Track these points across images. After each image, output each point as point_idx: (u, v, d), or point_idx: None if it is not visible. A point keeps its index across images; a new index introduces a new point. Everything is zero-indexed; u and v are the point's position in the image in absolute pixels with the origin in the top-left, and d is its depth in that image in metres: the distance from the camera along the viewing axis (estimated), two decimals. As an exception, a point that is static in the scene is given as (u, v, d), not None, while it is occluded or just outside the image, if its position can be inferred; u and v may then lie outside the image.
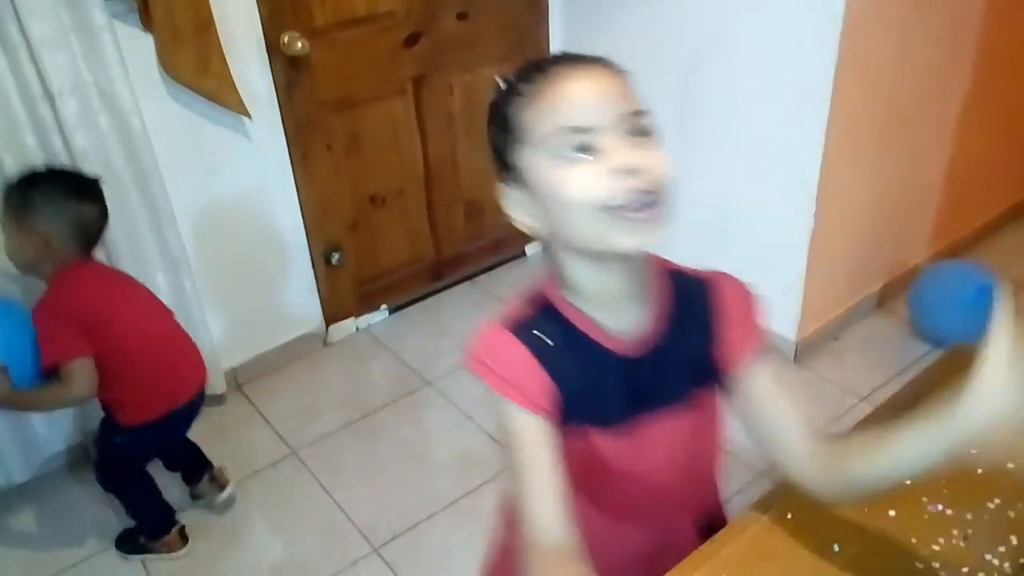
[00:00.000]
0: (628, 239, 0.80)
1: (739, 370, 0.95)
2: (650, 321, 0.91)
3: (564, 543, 0.84)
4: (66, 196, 1.70)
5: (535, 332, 0.89)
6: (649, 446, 0.95)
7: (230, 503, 2.11)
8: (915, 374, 1.28)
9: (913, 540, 0.99)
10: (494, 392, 0.88)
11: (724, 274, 0.98)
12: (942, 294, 2.46)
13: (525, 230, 0.89)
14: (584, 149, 0.80)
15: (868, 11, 2.04)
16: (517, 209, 0.88)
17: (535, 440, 0.87)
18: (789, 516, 1.04)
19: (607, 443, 0.93)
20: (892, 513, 1.02)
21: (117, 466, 1.91)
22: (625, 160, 0.79)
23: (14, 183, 1.70)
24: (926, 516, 1.01)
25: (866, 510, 1.03)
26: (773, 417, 0.95)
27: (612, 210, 0.79)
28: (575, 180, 0.80)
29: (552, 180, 0.81)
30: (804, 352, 2.49)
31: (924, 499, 1.03)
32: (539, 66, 0.84)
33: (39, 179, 1.71)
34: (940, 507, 1.02)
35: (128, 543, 2.01)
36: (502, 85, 0.87)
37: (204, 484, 2.11)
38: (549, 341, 0.89)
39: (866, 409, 2.28)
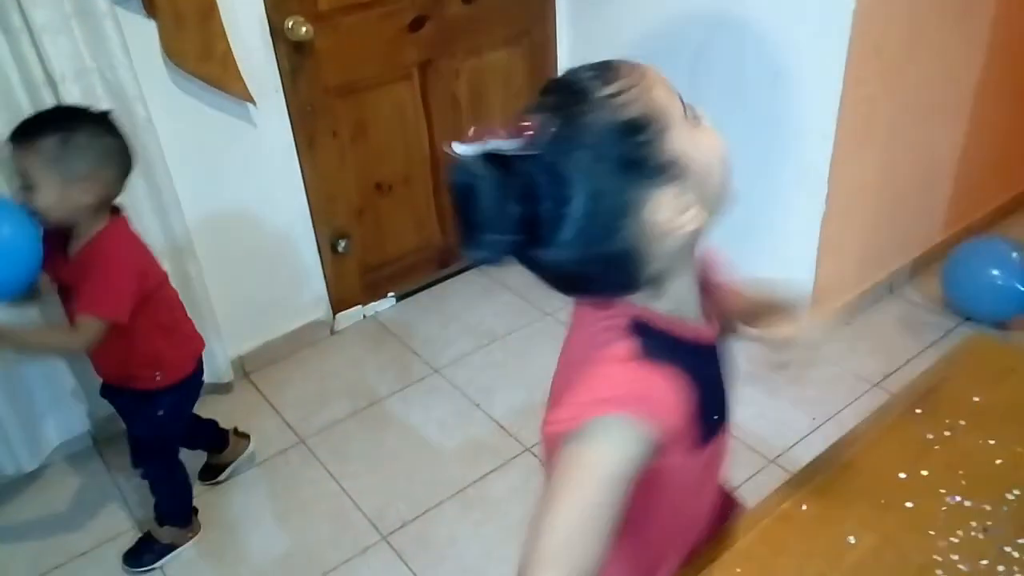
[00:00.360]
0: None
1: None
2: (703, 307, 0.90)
3: None
4: (106, 132, 1.56)
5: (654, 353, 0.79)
6: (724, 450, 0.96)
7: (253, 455, 2.19)
8: (932, 362, 1.26)
9: (931, 532, 0.97)
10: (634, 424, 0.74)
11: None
12: (975, 268, 2.44)
13: (681, 238, 0.78)
14: (695, 117, 0.80)
15: (881, -9, 2.01)
16: (678, 214, 0.77)
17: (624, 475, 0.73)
18: (804, 508, 1.02)
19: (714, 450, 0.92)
20: (909, 505, 1.00)
21: (159, 446, 1.87)
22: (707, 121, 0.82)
23: (40, 127, 1.50)
24: (944, 508, 1.00)
25: (882, 502, 1.01)
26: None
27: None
28: (712, 137, 0.81)
29: (706, 144, 0.79)
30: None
31: (942, 491, 1.01)
32: (608, 65, 0.77)
33: (68, 117, 1.55)
34: (958, 499, 1.00)
35: (145, 554, 1.93)
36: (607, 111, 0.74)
37: (231, 445, 2.13)
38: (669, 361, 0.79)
39: (877, 395, 2.28)
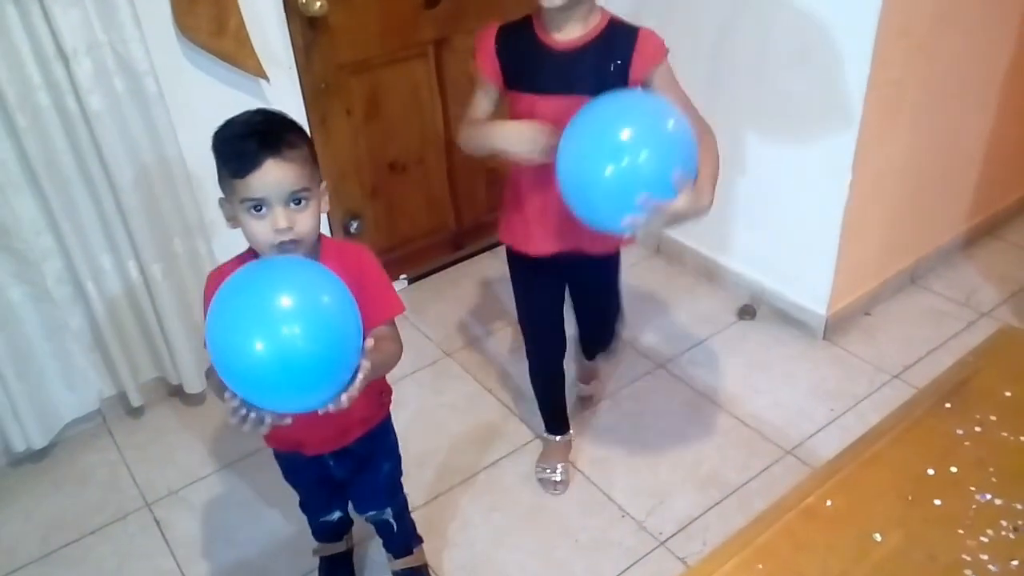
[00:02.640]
0: None
1: (645, 76, 1.50)
2: (581, 40, 1.49)
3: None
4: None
5: (509, 33, 1.54)
6: (574, 112, 1.37)
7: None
8: (961, 355, 1.22)
9: (960, 531, 0.94)
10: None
11: (648, 30, 1.50)
12: None
13: None
14: None
15: (912, -29, 1.95)
16: None
17: (482, 92, 1.60)
18: (828, 503, 0.99)
19: (543, 104, 1.51)
20: (938, 502, 0.97)
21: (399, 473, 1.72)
22: None
23: (280, 126, 1.25)
24: (974, 506, 0.96)
25: (910, 498, 0.98)
26: None
27: None
28: None
29: None
30: (834, 327, 2.42)
31: (972, 488, 0.98)
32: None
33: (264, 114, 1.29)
34: (988, 497, 0.97)
35: None
36: None
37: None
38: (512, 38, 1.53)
39: (898, 387, 2.23)
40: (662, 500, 1.96)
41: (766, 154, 2.34)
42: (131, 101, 1.94)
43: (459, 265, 2.87)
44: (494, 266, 2.84)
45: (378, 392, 1.57)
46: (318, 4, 2.16)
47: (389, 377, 1.55)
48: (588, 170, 1.31)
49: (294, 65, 2.25)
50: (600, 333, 2.08)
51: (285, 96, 2.25)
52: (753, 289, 2.57)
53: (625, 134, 1.29)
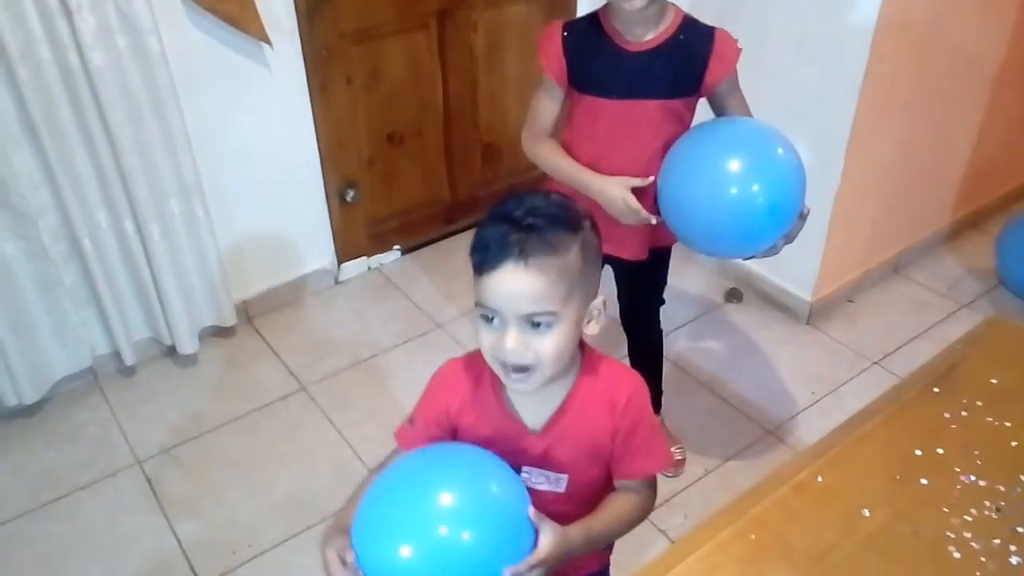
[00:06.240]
0: None
1: (718, 81, 1.50)
2: (655, 40, 1.46)
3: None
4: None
5: (576, 31, 1.50)
6: (639, 116, 1.49)
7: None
8: (950, 343, 1.26)
9: (944, 509, 0.98)
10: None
11: (724, 31, 1.49)
12: None
13: None
14: None
15: (915, -35, 1.97)
16: None
17: (546, 93, 1.55)
18: (819, 479, 1.04)
19: (609, 107, 1.50)
20: (924, 482, 1.02)
21: None
22: None
23: (543, 219, 0.92)
24: (959, 486, 1.01)
25: (898, 477, 1.03)
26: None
27: None
28: None
29: None
30: (818, 313, 2.47)
31: (957, 469, 1.03)
32: None
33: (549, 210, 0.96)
34: (973, 478, 1.02)
35: None
36: None
37: None
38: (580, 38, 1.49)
39: (877, 373, 2.29)
40: (647, 475, 2.01)
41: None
42: (133, 59, 1.93)
43: (452, 238, 2.89)
44: (486, 240, 2.85)
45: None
46: (324, -30, 2.15)
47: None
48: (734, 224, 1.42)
49: (296, 31, 2.24)
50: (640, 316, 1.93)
51: (286, 61, 2.25)
52: (740, 273, 2.61)
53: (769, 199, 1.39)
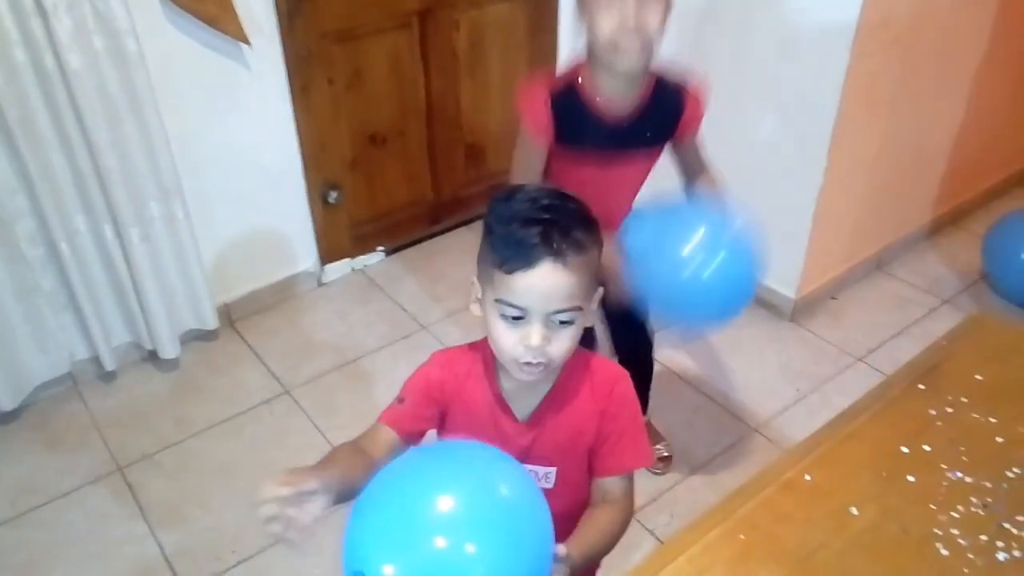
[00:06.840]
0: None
1: (686, 135, 1.59)
2: (634, 105, 1.51)
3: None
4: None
5: (559, 97, 1.49)
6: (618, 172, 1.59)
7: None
8: (933, 340, 1.27)
9: (932, 506, 0.98)
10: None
11: (693, 88, 1.56)
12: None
13: None
14: None
15: (895, -36, 1.98)
16: None
17: (533, 149, 1.54)
18: (807, 478, 1.03)
19: (591, 162, 1.55)
20: (911, 479, 1.02)
21: None
22: None
23: (561, 216, 0.95)
24: (945, 483, 1.01)
25: (884, 475, 1.03)
26: (686, 165, 1.66)
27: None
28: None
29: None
30: (802, 310, 2.48)
31: (943, 466, 1.03)
32: None
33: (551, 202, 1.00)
34: (959, 475, 1.02)
35: None
36: None
37: None
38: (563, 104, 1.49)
39: (861, 369, 2.30)
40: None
41: (743, 139, 2.38)
42: (110, 60, 1.90)
43: (436, 239, 2.88)
44: (471, 240, 2.83)
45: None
46: (304, -31, 2.13)
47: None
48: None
49: (277, 31, 2.22)
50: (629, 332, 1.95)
51: (267, 62, 2.23)
52: (725, 271, 2.61)
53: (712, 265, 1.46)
